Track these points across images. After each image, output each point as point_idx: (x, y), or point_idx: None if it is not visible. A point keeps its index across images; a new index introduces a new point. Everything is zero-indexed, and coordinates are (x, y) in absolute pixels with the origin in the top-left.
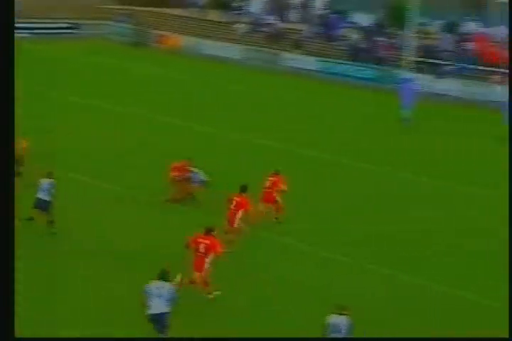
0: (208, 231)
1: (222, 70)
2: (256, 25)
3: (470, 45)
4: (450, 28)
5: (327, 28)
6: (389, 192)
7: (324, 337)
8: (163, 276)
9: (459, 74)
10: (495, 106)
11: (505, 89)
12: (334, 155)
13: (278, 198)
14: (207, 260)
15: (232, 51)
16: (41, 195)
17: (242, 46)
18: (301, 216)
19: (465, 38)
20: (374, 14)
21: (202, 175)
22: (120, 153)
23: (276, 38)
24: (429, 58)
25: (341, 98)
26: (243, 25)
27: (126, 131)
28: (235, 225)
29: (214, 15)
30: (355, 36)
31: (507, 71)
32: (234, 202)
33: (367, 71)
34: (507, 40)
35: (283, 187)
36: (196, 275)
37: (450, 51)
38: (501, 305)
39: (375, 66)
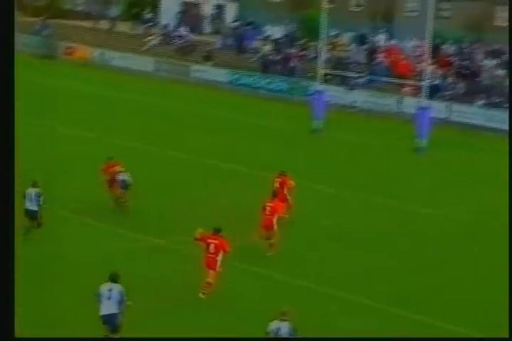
0: (216, 232)
1: (133, 82)
2: (167, 37)
3: (381, 57)
4: (361, 40)
5: (239, 40)
6: (303, 204)
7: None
8: (114, 278)
9: (371, 85)
10: (406, 118)
11: (417, 100)
12: (248, 167)
13: (288, 197)
14: (218, 258)
15: (143, 63)
16: (29, 206)
17: (153, 58)
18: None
19: (376, 50)
20: (285, 26)
21: (127, 178)
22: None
23: (188, 50)
24: (340, 70)
25: (253, 110)
26: (155, 37)
27: (34, 143)
28: (275, 229)
29: (125, 27)
30: (266, 48)
31: (418, 83)
32: (268, 209)
33: (278, 83)
34: (416, 52)
35: (291, 184)
36: (211, 273)
37: (361, 63)
38: None
39: (287, 78)
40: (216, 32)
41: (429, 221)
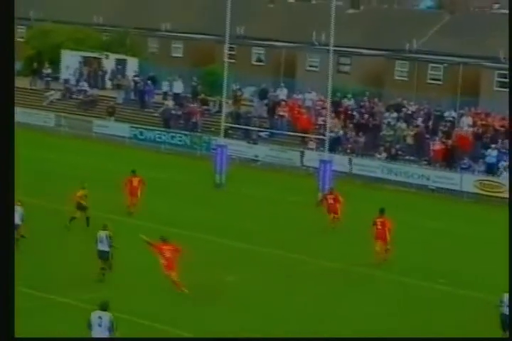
0: (164, 240)
1: (34, 138)
2: (69, 92)
3: (282, 112)
4: (262, 94)
5: (140, 94)
6: (209, 259)
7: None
8: (104, 306)
9: (273, 140)
10: (309, 172)
11: (318, 154)
12: (150, 221)
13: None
14: (175, 259)
15: (44, 118)
16: (101, 247)
17: (54, 113)
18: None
19: (277, 104)
20: (187, 81)
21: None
22: None
23: (90, 105)
24: (242, 124)
25: (155, 164)
26: (55, 92)
27: None
28: (388, 239)
29: (25, 82)
30: (168, 103)
31: (319, 136)
32: (379, 223)
33: (180, 137)
34: (317, 106)
35: (342, 199)
36: (173, 274)
37: (263, 117)
38: None
39: (189, 132)
40: (118, 87)
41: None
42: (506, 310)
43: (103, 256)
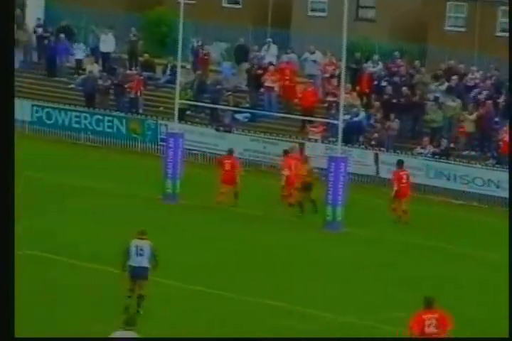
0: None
1: None
2: None
3: (270, 82)
4: (239, 55)
5: (47, 55)
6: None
7: None
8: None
9: (256, 125)
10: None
11: (326, 147)
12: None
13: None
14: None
15: None
16: (137, 262)
17: None
18: None
19: (262, 70)
20: (121, 33)
21: None
22: None
23: None
24: (208, 102)
25: (73, 165)
26: None
27: None
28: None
29: None
30: (92, 68)
31: (329, 120)
32: (404, 177)
33: (111, 122)
34: (325, 73)
35: None
36: None
37: (240, 90)
38: None
39: (124, 114)
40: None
41: None
42: None
43: (141, 274)
